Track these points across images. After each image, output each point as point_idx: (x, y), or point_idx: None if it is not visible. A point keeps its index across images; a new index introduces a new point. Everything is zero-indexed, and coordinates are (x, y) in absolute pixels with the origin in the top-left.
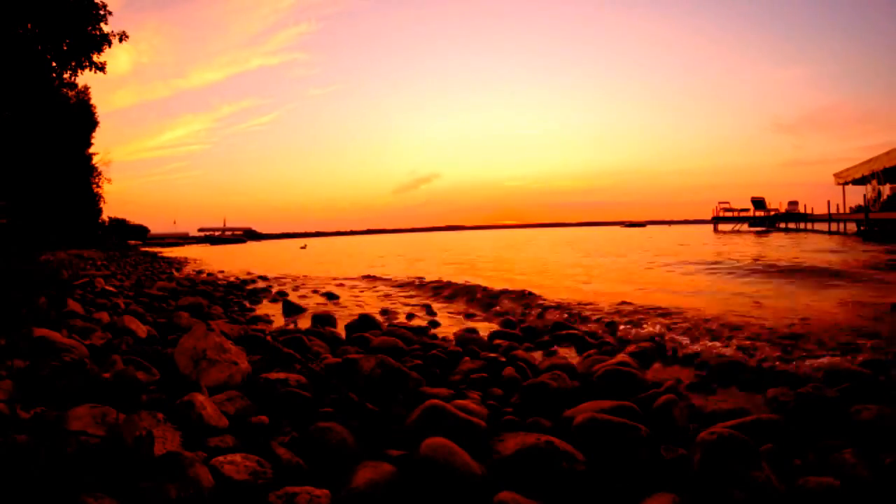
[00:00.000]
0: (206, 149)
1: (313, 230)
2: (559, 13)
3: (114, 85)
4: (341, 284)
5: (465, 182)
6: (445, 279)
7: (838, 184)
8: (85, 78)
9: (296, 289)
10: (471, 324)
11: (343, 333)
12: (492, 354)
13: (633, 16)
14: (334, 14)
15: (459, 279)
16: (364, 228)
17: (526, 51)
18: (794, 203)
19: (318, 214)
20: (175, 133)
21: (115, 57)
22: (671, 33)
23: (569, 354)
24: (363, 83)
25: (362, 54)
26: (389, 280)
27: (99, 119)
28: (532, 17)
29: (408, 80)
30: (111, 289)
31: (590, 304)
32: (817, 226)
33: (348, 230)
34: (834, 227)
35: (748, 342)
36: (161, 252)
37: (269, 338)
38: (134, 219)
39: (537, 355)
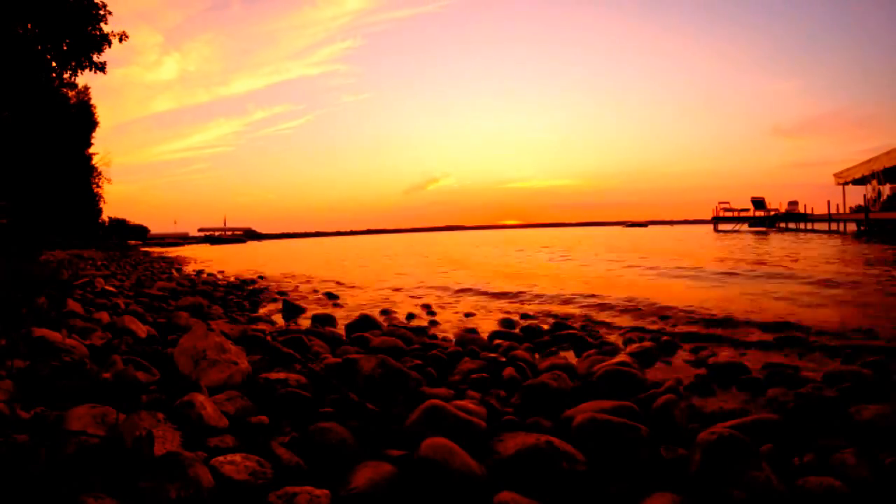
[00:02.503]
0: (230, 151)
1: (313, 230)
2: (568, 21)
3: (156, 91)
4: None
5: (471, 182)
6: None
7: (838, 184)
8: (124, 83)
9: (296, 288)
10: (471, 323)
11: (343, 333)
12: (492, 354)
13: (638, 25)
14: (380, 32)
15: None
16: (364, 228)
17: (537, 60)
18: (794, 203)
19: (324, 214)
20: (205, 136)
21: (162, 65)
22: (673, 43)
23: (569, 354)
24: (393, 90)
25: (396, 64)
26: None
27: (134, 122)
28: (542, 28)
29: (429, 86)
30: (111, 289)
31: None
32: (817, 226)
33: (348, 230)
34: (834, 226)
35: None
36: (163, 253)
37: (269, 338)
38: (139, 219)
39: (537, 355)
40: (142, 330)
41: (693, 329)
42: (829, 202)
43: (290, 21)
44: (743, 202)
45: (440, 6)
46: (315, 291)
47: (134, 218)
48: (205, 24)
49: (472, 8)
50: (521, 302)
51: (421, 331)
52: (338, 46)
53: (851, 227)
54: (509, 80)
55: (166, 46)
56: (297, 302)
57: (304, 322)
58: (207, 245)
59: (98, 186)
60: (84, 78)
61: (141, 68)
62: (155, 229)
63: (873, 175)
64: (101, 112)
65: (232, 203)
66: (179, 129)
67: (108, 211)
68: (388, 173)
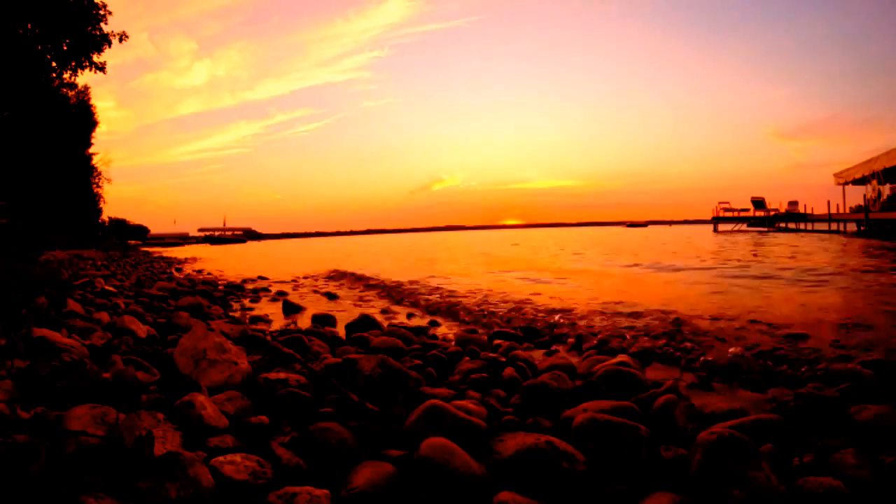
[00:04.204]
0: (246, 153)
1: (314, 230)
2: (572, 29)
3: (184, 95)
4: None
5: (475, 183)
6: None
7: (838, 184)
8: (154, 87)
9: (296, 289)
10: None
11: (343, 333)
12: (492, 354)
13: (640, 31)
14: (407, 43)
15: None
16: (364, 228)
17: (542, 65)
18: (794, 203)
19: (327, 215)
20: (224, 137)
21: (192, 70)
22: (675, 49)
23: (569, 354)
24: (410, 95)
25: (416, 72)
26: None
27: (160, 124)
28: (547, 34)
29: (441, 90)
30: (111, 289)
31: None
32: (817, 226)
33: (348, 230)
34: (834, 226)
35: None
36: (163, 253)
37: (269, 338)
38: (144, 218)
39: (537, 355)
40: (142, 330)
41: (696, 327)
42: (829, 202)
43: (322, 32)
44: (743, 203)
45: (467, 21)
46: (315, 291)
47: (140, 217)
48: (240, 34)
49: (490, 21)
50: None
51: (421, 331)
52: (365, 56)
53: (851, 226)
54: (515, 85)
55: (199, 53)
56: (297, 302)
57: (304, 322)
58: (208, 245)
59: (98, 186)
60: (110, 83)
61: (171, 73)
62: (158, 229)
63: (873, 175)
64: (128, 115)
65: (237, 203)
66: (201, 132)
67: (117, 211)
68: (396, 174)
